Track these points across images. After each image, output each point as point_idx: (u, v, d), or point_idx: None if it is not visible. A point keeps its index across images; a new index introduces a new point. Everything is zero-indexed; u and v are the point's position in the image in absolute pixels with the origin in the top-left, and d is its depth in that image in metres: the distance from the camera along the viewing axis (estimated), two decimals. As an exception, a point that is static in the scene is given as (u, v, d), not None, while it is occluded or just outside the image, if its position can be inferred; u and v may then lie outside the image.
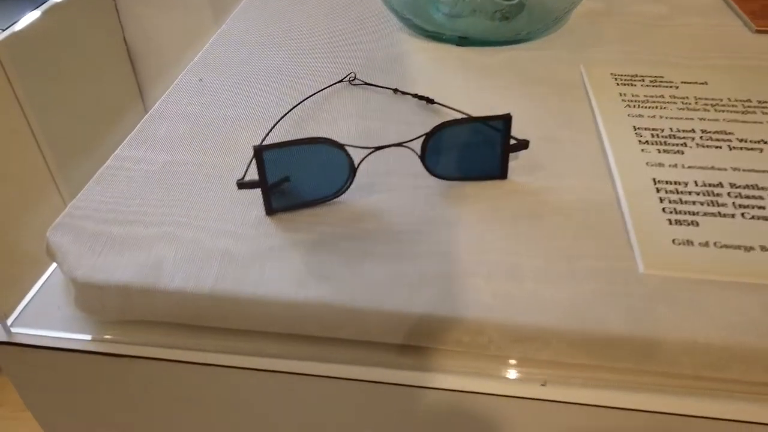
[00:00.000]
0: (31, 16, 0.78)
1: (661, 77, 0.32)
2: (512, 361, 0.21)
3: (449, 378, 0.20)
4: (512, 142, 0.25)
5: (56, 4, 0.81)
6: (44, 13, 0.79)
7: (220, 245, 0.22)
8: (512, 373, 0.20)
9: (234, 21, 0.39)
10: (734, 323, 0.19)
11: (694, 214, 0.23)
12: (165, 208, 0.24)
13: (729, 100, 0.30)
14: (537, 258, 0.22)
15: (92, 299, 0.21)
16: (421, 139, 0.24)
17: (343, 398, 0.21)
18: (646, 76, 0.32)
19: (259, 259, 0.22)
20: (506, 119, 0.24)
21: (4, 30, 0.75)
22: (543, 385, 0.20)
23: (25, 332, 0.22)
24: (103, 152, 0.85)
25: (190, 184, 0.25)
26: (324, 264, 0.22)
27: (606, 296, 0.20)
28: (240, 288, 0.21)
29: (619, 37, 0.38)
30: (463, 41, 0.37)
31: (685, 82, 0.32)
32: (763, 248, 0.22)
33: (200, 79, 0.33)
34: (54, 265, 0.24)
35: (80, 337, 0.22)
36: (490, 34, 0.36)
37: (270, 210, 0.24)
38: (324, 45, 0.37)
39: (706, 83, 0.31)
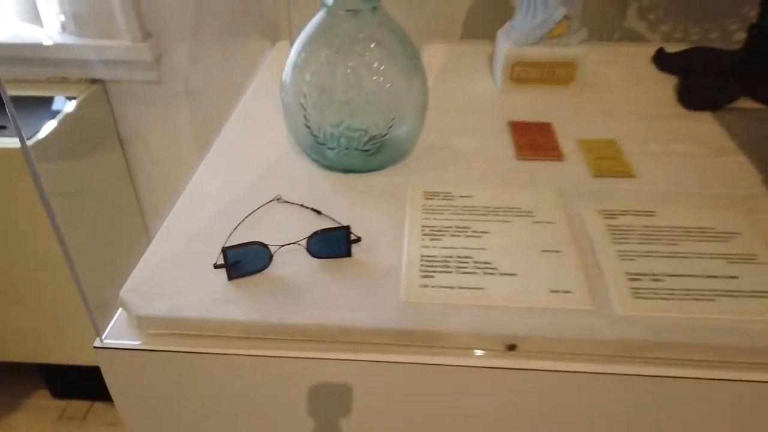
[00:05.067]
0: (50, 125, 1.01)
1: (450, 193, 0.58)
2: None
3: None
4: (353, 237, 0.50)
5: (68, 114, 1.05)
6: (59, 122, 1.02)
7: (209, 296, 0.46)
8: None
9: (208, 164, 0.64)
10: (471, 322, 0.44)
11: (434, 272, 0.48)
12: (178, 282, 0.48)
13: (484, 208, 0.56)
14: (356, 296, 0.46)
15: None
16: (306, 239, 0.49)
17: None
18: (441, 192, 0.58)
19: (226, 302, 0.46)
20: (347, 228, 0.49)
21: (29, 138, 0.98)
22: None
23: (113, 341, 0.45)
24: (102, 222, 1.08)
25: (191, 268, 0.49)
26: (259, 304, 0.46)
27: (389, 312, 0.45)
28: (212, 316, 0.45)
29: (442, 164, 0.63)
30: (347, 171, 0.62)
31: (461, 196, 0.57)
32: (460, 287, 0.46)
33: (192, 201, 0.57)
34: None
35: (136, 344, 0.45)
36: (362, 166, 0.61)
37: (230, 278, 0.48)
38: (262, 178, 0.61)
39: (471, 196, 0.57)
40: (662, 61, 0.82)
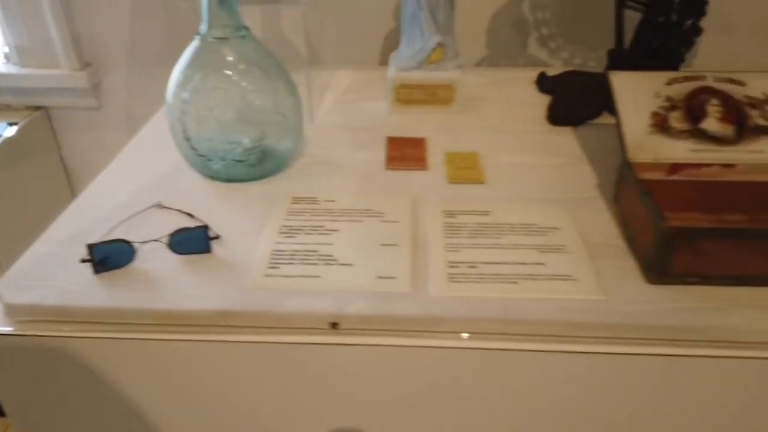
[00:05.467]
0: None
1: (315, 198, 0.64)
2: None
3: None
4: (212, 235, 0.56)
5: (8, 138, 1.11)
6: (-2, 146, 1.08)
7: (74, 288, 0.52)
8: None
9: (106, 174, 0.70)
10: (306, 305, 0.50)
11: (280, 264, 0.54)
12: (49, 276, 0.54)
13: (342, 210, 0.62)
14: (208, 286, 0.52)
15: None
16: (168, 237, 0.55)
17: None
18: (308, 198, 0.64)
19: (88, 293, 0.51)
20: (206, 227, 0.55)
21: (-33, 161, 1.04)
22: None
23: (-16, 329, 0.51)
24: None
25: (64, 264, 0.55)
26: (117, 294, 0.51)
27: (234, 298, 0.51)
28: (73, 303, 0.50)
29: (319, 174, 0.70)
30: (229, 180, 0.68)
31: (326, 201, 0.64)
32: (302, 276, 0.52)
33: (80, 208, 0.63)
34: (-2, 301, 0.53)
35: (4, 330, 0.51)
36: (243, 176, 0.68)
37: (96, 272, 0.54)
38: (150, 188, 0.68)
39: (334, 201, 0.63)
40: (542, 83, 0.90)
